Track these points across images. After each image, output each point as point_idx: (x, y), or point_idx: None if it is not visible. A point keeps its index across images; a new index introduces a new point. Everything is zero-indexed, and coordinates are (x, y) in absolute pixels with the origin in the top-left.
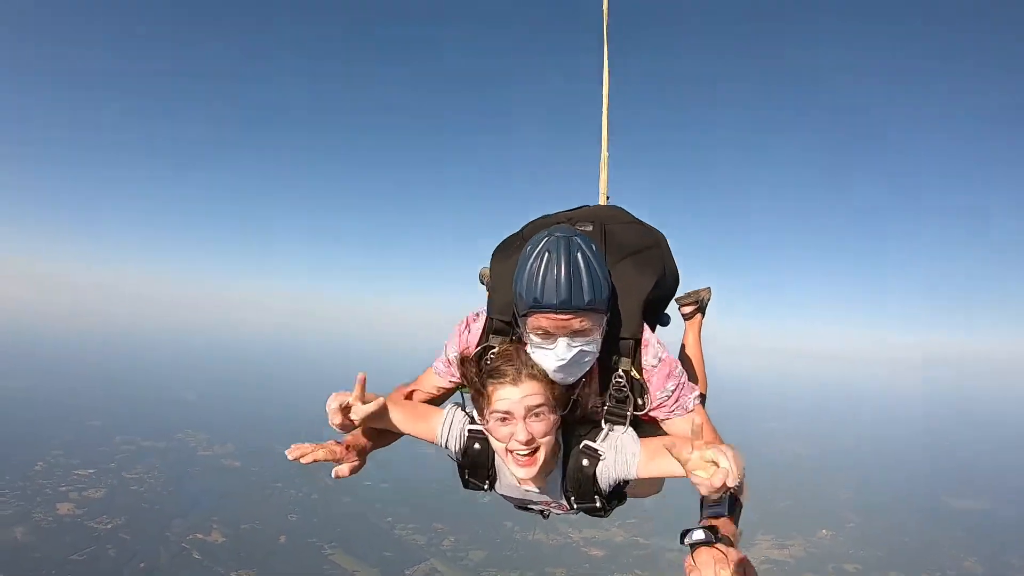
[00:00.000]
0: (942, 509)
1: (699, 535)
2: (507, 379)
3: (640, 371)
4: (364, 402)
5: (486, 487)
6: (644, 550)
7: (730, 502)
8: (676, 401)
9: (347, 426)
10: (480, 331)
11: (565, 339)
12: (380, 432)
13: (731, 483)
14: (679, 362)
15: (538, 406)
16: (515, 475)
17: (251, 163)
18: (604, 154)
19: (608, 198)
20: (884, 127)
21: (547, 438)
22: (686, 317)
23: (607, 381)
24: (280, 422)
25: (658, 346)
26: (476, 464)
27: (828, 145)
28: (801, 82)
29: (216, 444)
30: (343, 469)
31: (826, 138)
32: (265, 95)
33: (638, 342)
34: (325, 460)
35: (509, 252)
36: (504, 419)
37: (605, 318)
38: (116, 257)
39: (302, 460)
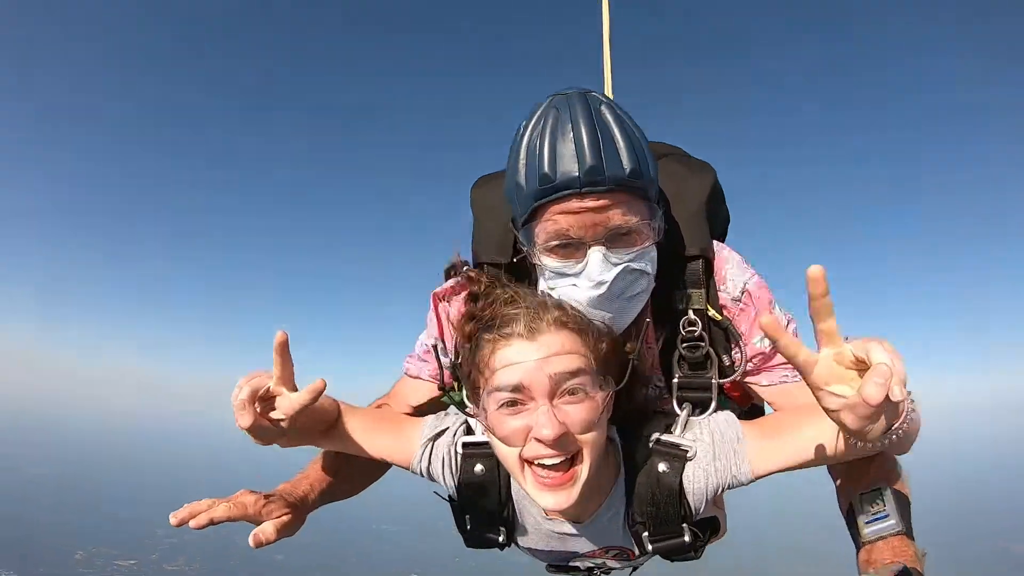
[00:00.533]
0: (1006, 555)
1: None
2: (515, 328)
3: (719, 310)
4: (293, 389)
5: (501, 539)
6: None
7: (897, 501)
8: (782, 361)
9: (268, 432)
10: (465, 298)
11: (600, 250)
12: (335, 464)
13: (896, 396)
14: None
15: (574, 373)
16: (539, 504)
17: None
18: (607, 52)
19: None
20: None
21: (592, 434)
22: None
23: (672, 335)
24: (325, 511)
25: (743, 266)
26: (482, 499)
27: None
28: None
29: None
30: (266, 530)
31: None
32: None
33: (709, 263)
34: (230, 520)
35: (496, 178)
36: (514, 403)
37: (660, 215)
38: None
39: (191, 524)
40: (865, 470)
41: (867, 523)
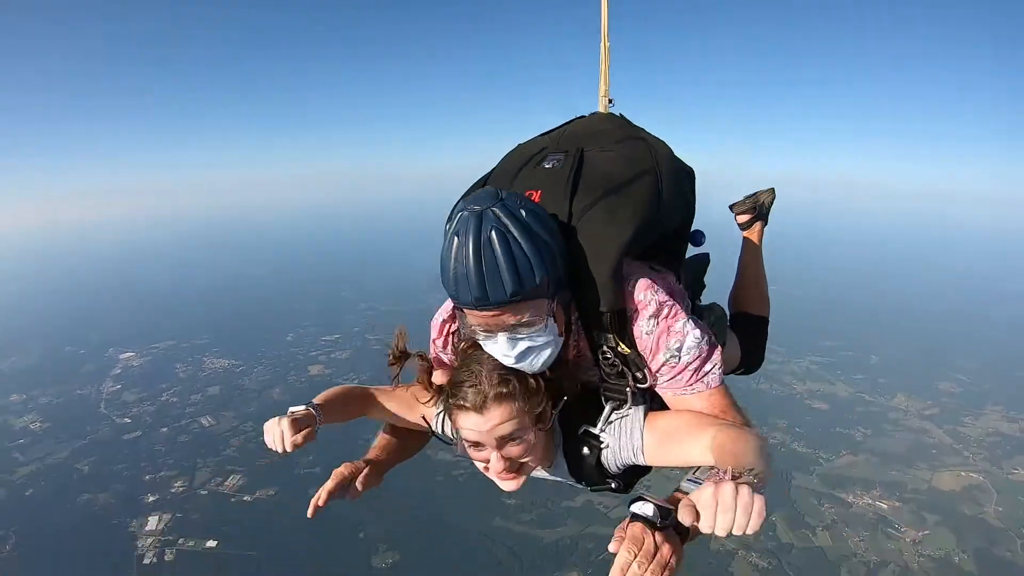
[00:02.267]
0: None
1: (645, 509)
2: (468, 404)
3: (632, 344)
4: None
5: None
6: (869, 407)
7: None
8: (682, 376)
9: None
10: (447, 329)
11: (504, 335)
12: (395, 437)
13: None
14: (688, 319)
15: (512, 433)
16: (500, 487)
17: None
18: (604, 44)
19: (610, 101)
20: None
21: (529, 457)
22: (742, 227)
23: (596, 354)
24: None
25: (655, 303)
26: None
27: None
28: None
29: None
30: (354, 489)
31: None
32: None
33: (621, 312)
34: (336, 488)
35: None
36: (476, 446)
37: (552, 302)
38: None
39: (320, 504)
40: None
41: (688, 481)
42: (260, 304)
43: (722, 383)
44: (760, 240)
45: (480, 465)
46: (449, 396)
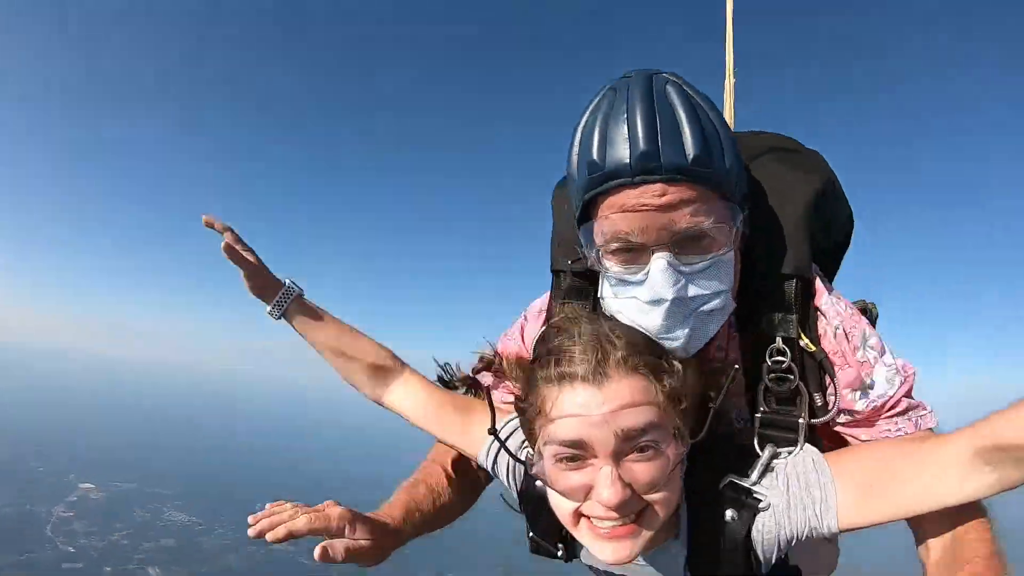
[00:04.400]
0: None
1: None
2: (577, 370)
3: (815, 340)
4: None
5: (560, 554)
6: None
7: None
8: (887, 405)
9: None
10: (543, 319)
11: (664, 256)
12: (439, 484)
13: None
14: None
15: (644, 429)
16: (596, 555)
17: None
18: (729, 81)
19: None
20: None
21: (662, 493)
22: None
23: (757, 364)
24: None
25: (839, 301)
26: (542, 515)
27: None
28: None
29: None
30: (335, 547)
31: None
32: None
33: (807, 284)
34: (311, 533)
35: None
36: (574, 458)
37: (740, 218)
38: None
39: (268, 538)
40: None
41: None
42: (238, 468)
43: (936, 424)
44: None
45: (567, 509)
46: (539, 366)
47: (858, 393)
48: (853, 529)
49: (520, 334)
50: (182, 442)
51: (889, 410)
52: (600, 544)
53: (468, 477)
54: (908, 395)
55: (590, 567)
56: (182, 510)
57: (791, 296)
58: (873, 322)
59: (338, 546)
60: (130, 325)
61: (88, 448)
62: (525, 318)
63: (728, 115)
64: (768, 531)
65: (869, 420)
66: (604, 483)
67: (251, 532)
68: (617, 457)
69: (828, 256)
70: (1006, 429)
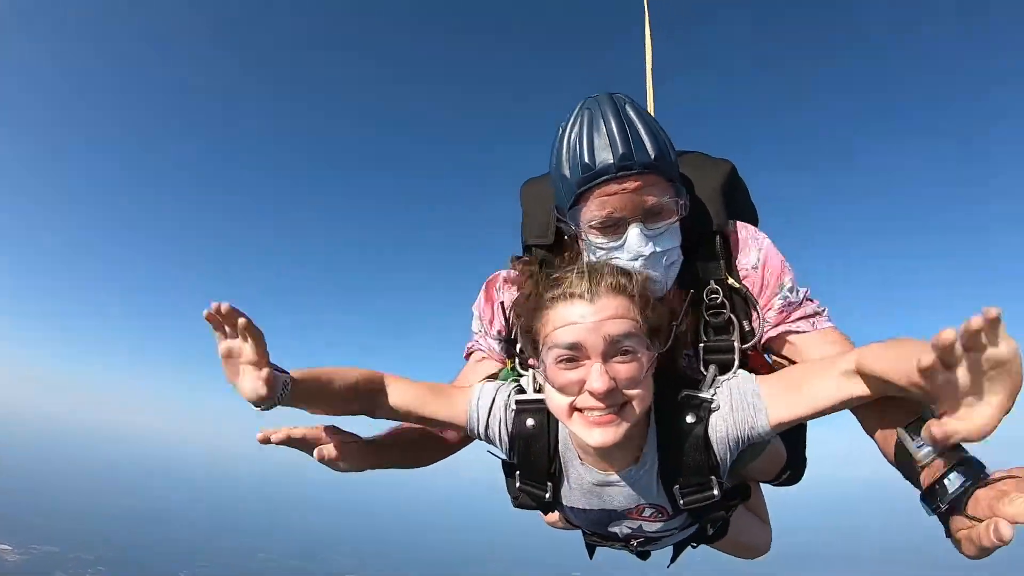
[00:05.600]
0: None
1: (957, 481)
2: (576, 291)
3: (738, 278)
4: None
5: (548, 493)
6: None
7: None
8: (801, 310)
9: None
10: (519, 280)
11: (638, 226)
12: (407, 433)
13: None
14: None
15: (626, 336)
16: (586, 441)
17: None
18: (649, 83)
19: None
20: None
21: (637, 390)
22: None
23: (697, 304)
24: None
25: (757, 238)
26: (532, 452)
27: None
28: None
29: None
30: (329, 448)
31: None
32: None
33: (726, 238)
34: (305, 438)
35: (539, 179)
36: (571, 359)
37: (681, 200)
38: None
39: (273, 438)
40: (900, 404)
41: (919, 447)
42: (165, 534)
43: (834, 325)
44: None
45: (563, 404)
46: (548, 288)
47: (778, 296)
48: (782, 425)
49: (491, 308)
50: (112, 505)
51: (807, 309)
52: (590, 430)
53: (429, 439)
54: (811, 302)
55: (571, 509)
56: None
57: (715, 247)
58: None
59: (331, 448)
60: (44, 377)
61: (6, 509)
62: (488, 297)
63: (649, 103)
64: (720, 430)
65: (789, 319)
66: (595, 375)
67: (259, 436)
68: (605, 357)
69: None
70: (866, 357)
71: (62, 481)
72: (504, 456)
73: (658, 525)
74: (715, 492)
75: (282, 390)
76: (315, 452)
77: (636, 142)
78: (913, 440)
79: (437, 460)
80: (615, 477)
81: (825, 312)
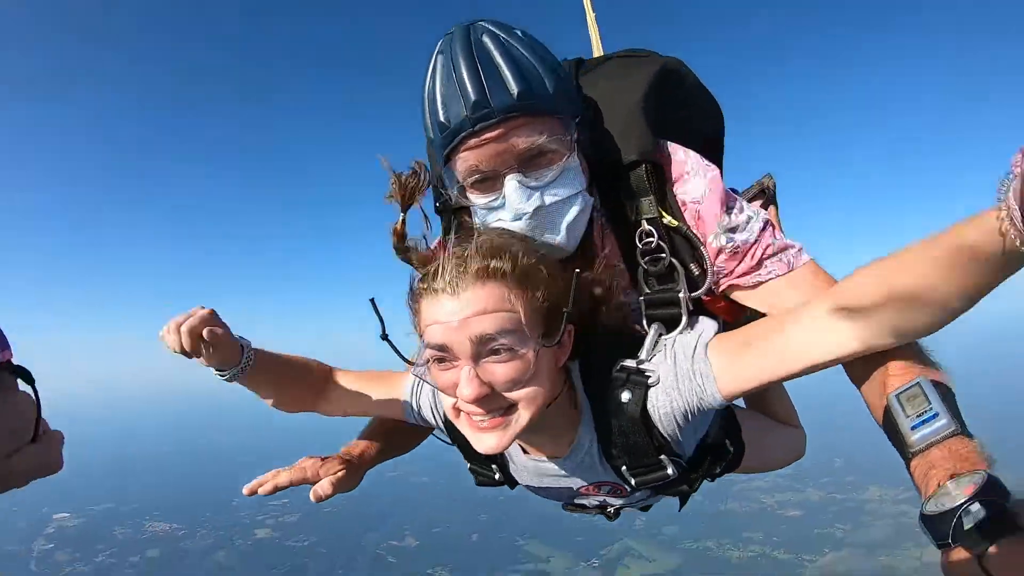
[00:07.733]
0: None
1: (980, 514)
2: (438, 285)
3: (679, 214)
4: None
5: (496, 474)
6: (843, 505)
7: (940, 393)
8: (754, 251)
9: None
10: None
11: (514, 177)
12: (384, 428)
13: None
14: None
15: (499, 333)
16: (474, 445)
17: None
18: (590, 15)
19: None
20: None
21: (525, 390)
22: None
23: (631, 251)
24: None
25: (698, 164)
26: (467, 441)
27: None
28: None
29: (403, 464)
30: (323, 485)
31: None
32: None
33: (655, 167)
34: (292, 484)
35: None
36: (441, 360)
37: (573, 127)
38: None
39: (260, 492)
40: (890, 364)
41: (912, 427)
42: (205, 471)
43: (812, 260)
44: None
45: (448, 404)
46: (418, 280)
47: (724, 235)
48: (738, 395)
49: None
50: (149, 455)
51: (763, 249)
52: (476, 435)
53: (406, 428)
54: (773, 236)
55: (529, 487)
56: (161, 520)
57: (643, 180)
58: (773, 195)
59: (325, 484)
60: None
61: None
62: None
63: (596, 46)
64: (662, 405)
65: (742, 264)
66: (463, 382)
67: (245, 491)
68: (476, 359)
69: (706, 145)
70: (847, 288)
71: (102, 442)
72: (448, 440)
73: (622, 500)
74: (668, 472)
75: (246, 358)
76: (311, 496)
77: (493, 83)
78: (907, 416)
79: (421, 441)
80: (553, 464)
81: (798, 247)
